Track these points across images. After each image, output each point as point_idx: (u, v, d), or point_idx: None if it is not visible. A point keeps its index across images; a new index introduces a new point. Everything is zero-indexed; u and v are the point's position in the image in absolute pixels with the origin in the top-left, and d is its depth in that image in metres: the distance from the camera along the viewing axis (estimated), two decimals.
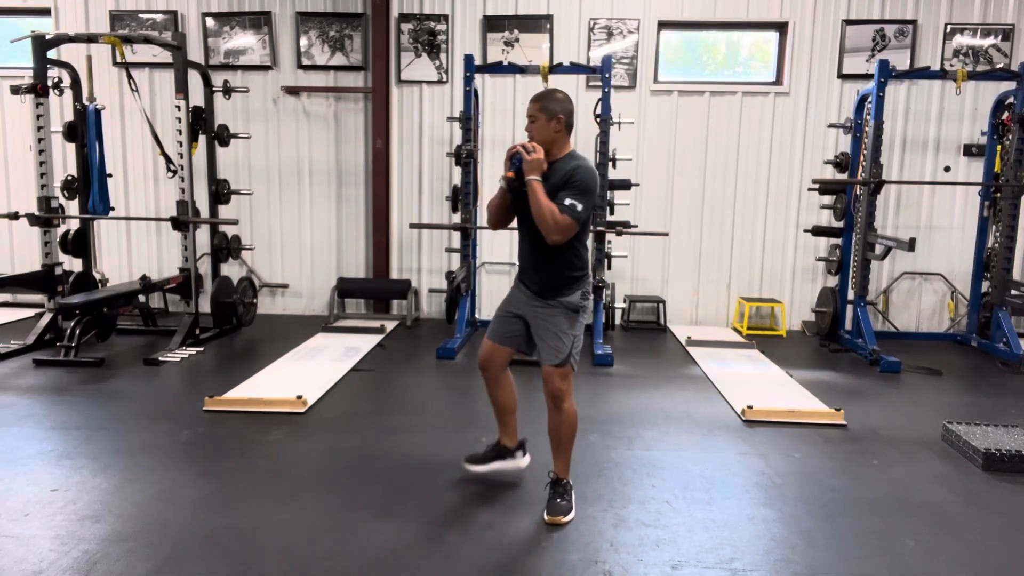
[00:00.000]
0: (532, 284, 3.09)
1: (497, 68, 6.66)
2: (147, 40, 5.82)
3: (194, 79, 6.27)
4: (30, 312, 7.10)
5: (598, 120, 6.09)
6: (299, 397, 4.38)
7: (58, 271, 5.98)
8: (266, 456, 3.67)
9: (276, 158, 7.43)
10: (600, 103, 6.07)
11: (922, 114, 7.08)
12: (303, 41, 7.19)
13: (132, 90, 5.89)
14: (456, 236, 6.86)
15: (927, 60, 6.92)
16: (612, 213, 6.41)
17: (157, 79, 7.28)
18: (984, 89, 6.88)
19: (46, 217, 5.86)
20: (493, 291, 7.31)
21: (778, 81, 7.21)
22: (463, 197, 6.34)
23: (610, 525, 2.96)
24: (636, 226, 6.46)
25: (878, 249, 5.99)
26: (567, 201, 2.86)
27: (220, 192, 6.62)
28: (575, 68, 6.33)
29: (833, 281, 6.96)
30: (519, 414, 3.38)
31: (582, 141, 7.02)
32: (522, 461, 3.40)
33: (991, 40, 6.92)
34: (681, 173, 7.28)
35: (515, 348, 3.22)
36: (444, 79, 7.20)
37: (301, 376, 5.11)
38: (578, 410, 3.11)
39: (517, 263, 3.21)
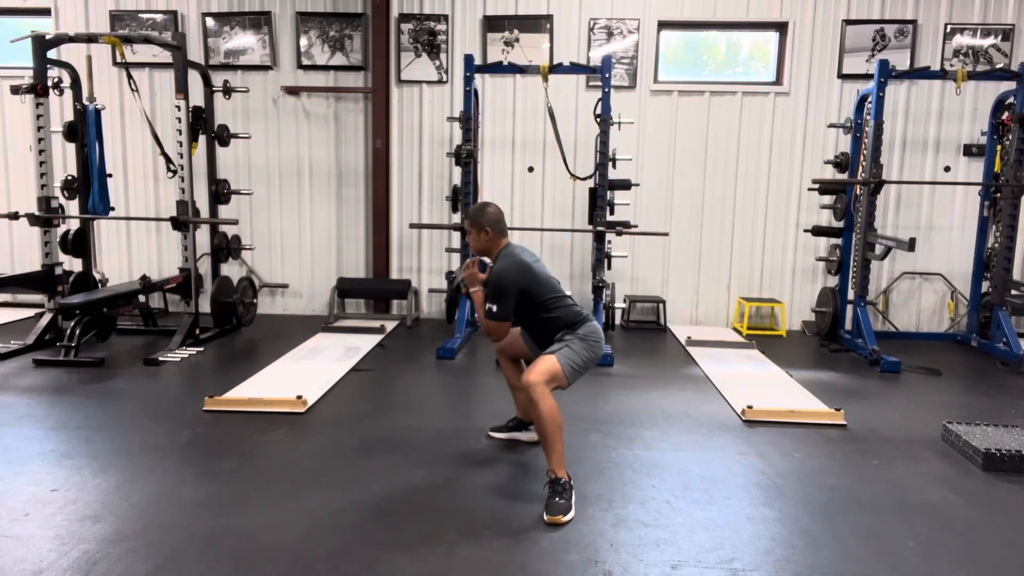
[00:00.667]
0: (537, 347, 3.43)
1: (497, 68, 6.66)
2: (147, 40, 5.81)
3: (194, 79, 6.27)
4: (30, 312, 7.10)
5: (598, 120, 6.09)
6: (299, 397, 4.38)
7: (58, 271, 5.98)
8: (266, 456, 3.67)
9: (276, 158, 7.43)
10: (600, 103, 6.07)
11: (922, 114, 7.08)
12: (303, 41, 7.19)
13: (132, 90, 5.89)
14: (456, 236, 6.86)
15: (927, 60, 6.92)
16: (612, 213, 6.41)
17: (157, 79, 7.29)
18: (984, 89, 6.88)
19: (46, 217, 5.86)
20: None
21: (778, 81, 7.21)
22: (463, 197, 6.34)
23: (610, 525, 2.95)
24: (636, 226, 6.46)
25: (878, 249, 5.99)
26: (487, 305, 3.28)
27: (220, 192, 6.62)
28: (575, 68, 6.33)
29: (833, 281, 6.96)
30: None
31: (582, 141, 7.05)
32: (535, 434, 3.63)
33: (991, 40, 6.92)
34: (681, 173, 7.28)
35: (531, 351, 3.51)
36: (444, 79, 7.20)
37: (301, 376, 5.11)
38: (578, 410, 3.14)
39: None
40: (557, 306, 3.32)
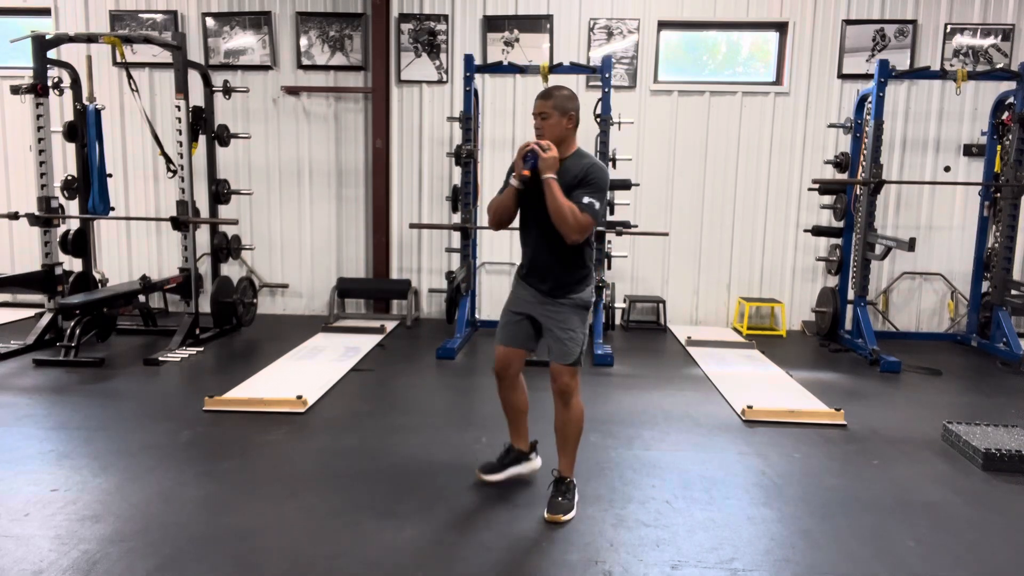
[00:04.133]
0: (542, 284, 3.06)
1: (497, 68, 6.66)
2: (147, 40, 5.81)
3: (194, 79, 6.26)
4: (30, 312, 7.10)
5: (598, 120, 6.09)
6: (299, 397, 4.38)
7: (58, 271, 5.98)
8: (266, 456, 3.67)
9: (276, 158, 7.43)
10: (600, 103, 6.07)
11: (922, 114, 7.08)
12: (303, 41, 7.19)
13: (132, 90, 5.89)
14: (456, 236, 6.86)
15: (927, 60, 6.92)
16: (612, 213, 6.41)
17: (157, 79, 7.28)
18: (984, 89, 6.88)
19: (46, 217, 5.86)
20: (493, 291, 7.31)
21: (778, 81, 7.21)
22: (463, 197, 6.34)
23: (610, 525, 2.96)
24: (636, 226, 6.45)
25: (878, 249, 5.99)
26: (585, 200, 2.85)
27: (220, 192, 6.62)
28: (575, 68, 6.33)
29: (833, 281, 6.96)
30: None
31: (582, 141, 7.00)
32: (536, 463, 3.41)
33: (991, 40, 6.92)
34: (681, 173, 7.28)
35: (527, 350, 3.21)
36: (444, 79, 7.20)
37: (301, 376, 5.11)
38: None
39: (521, 262, 3.17)
40: (593, 246, 3.07)
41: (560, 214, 2.84)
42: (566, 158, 2.96)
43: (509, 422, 3.36)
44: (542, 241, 3.01)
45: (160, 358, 5.43)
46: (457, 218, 6.56)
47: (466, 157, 6.21)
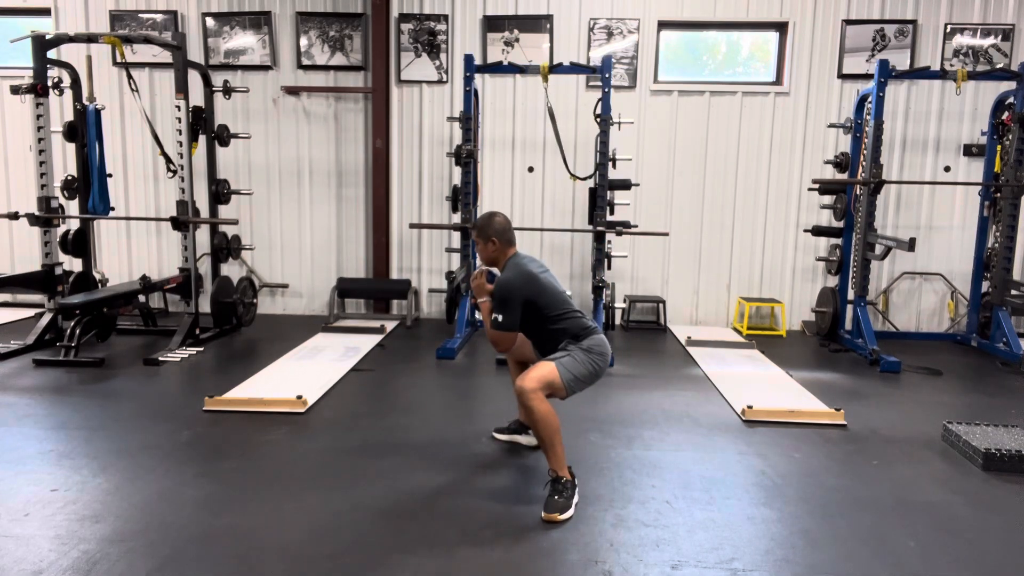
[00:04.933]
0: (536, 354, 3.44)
1: (497, 68, 6.66)
2: (147, 40, 5.81)
3: (194, 79, 6.26)
4: (30, 312, 7.10)
5: (598, 120, 6.09)
6: (299, 397, 4.38)
7: (58, 271, 5.98)
8: (266, 456, 3.67)
9: (276, 158, 7.43)
10: (600, 103, 6.07)
11: (922, 114, 7.08)
12: (303, 41, 7.19)
13: (132, 90, 5.89)
14: (456, 236, 6.86)
15: (927, 60, 6.92)
16: (612, 213, 6.41)
17: (157, 79, 7.29)
18: (984, 89, 6.88)
19: (46, 217, 5.86)
20: None
21: (778, 81, 7.21)
22: (463, 197, 6.34)
23: (610, 525, 2.95)
24: (636, 226, 6.46)
25: (878, 249, 5.99)
26: (492, 315, 3.25)
27: (220, 192, 6.62)
28: (575, 68, 6.33)
29: (833, 281, 6.96)
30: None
31: (582, 141, 7.05)
32: (533, 438, 3.62)
33: (991, 40, 6.92)
34: (681, 173, 7.28)
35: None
36: (444, 79, 7.20)
37: (301, 376, 5.11)
38: (578, 410, 3.14)
39: None
40: (564, 318, 3.27)
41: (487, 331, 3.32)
42: (502, 272, 3.35)
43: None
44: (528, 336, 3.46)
45: (160, 358, 5.43)
46: (457, 218, 6.56)
47: (466, 157, 6.21)
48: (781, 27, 7.12)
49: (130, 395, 4.67)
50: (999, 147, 6.39)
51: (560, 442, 3.09)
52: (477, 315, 6.98)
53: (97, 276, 6.65)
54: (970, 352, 6.45)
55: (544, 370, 3.12)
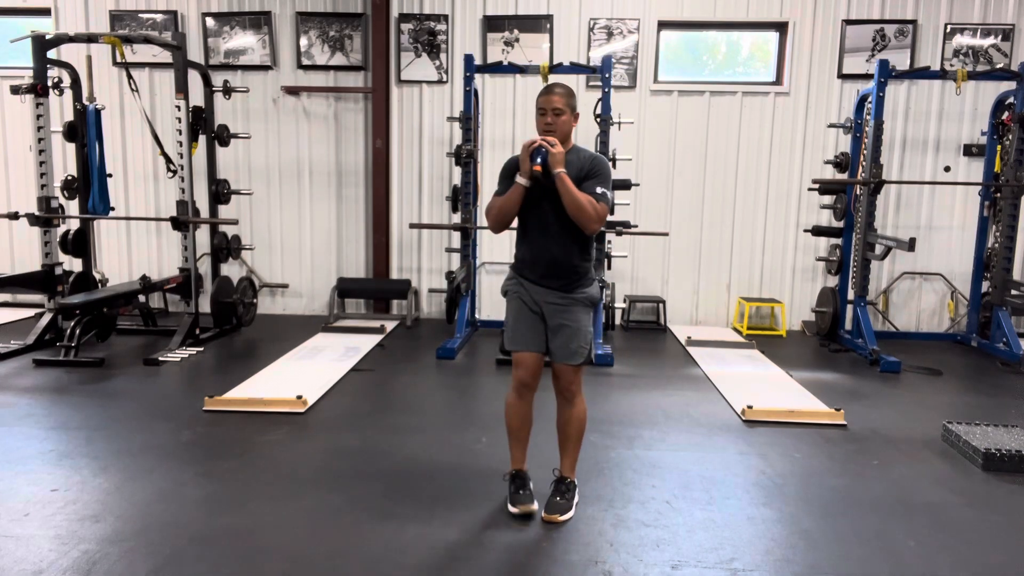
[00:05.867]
0: (554, 280, 3.00)
1: (497, 68, 6.66)
2: (147, 40, 5.81)
3: (194, 79, 6.26)
4: (30, 312, 7.10)
5: (598, 120, 6.09)
6: (299, 397, 4.38)
7: (58, 271, 5.98)
8: (266, 456, 3.67)
9: (276, 158, 7.43)
10: (600, 103, 6.07)
11: (922, 114, 7.08)
12: (303, 41, 7.19)
13: (132, 90, 5.89)
14: (456, 236, 6.85)
15: (927, 60, 6.92)
16: (612, 213, 6.39)
17: (157, 79, 7.28)
18: (984, 89, 6.88)
19: (46, 217, 5.86)
20: (493, 291, 7.31)
21: (778, 81, 7.21)
22: (463, 197, 6.34)
23: (610, 525, 2.96)
24: (636, 226, 6.45)
25: (878, 249, 5.99)
26: (599, 190, 2.90)
27: (220, 192, 6.62)
28: (575, 68, 6.33)
29: (833, 281, 6.96)
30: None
31: (582, 141, 7.00)
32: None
33: (991, 40, 6.92)
34: (681, 173, 7.27)
35: (544, 352, 3.08)
36: (444, 79, 7.20)
37: (301, 376, 5.11)
38: None
39: (520, 262, 3.09)
40: (593, 240, 3.07)
41: (579, 206, 2.86)
42: (567, 153, 2.96)
43: (518, 441, 3.15)
44: (550, 237, 2.97)
45: (160, 358, 5.43)
46: (457, 218, 6.55)
47: (466, 157, 6.21)
48: (781, 27, 7.11)
49: (130, 395, 4.67)
50: (999, 147, 6.39)
51: (581, 443, 3.12)
52: (477, 315, 6.98)
53: (97, 276, 6.65)
54: (970, 352, 6.45)
55: (579, 367, 3.05)
